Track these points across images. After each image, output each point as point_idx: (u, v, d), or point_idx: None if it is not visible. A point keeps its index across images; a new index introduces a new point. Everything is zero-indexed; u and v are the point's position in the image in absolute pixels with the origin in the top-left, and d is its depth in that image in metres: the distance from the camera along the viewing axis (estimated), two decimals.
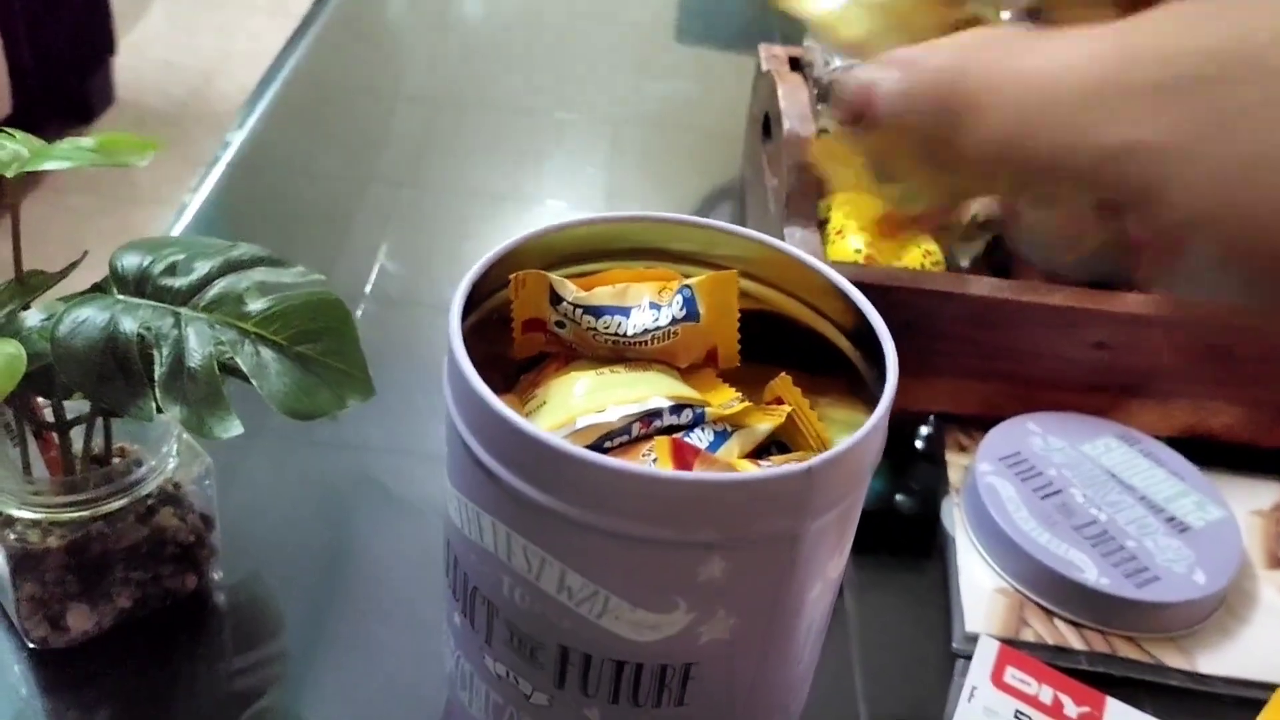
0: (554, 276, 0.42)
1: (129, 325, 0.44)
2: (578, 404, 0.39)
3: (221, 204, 0.84)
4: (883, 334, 0.39)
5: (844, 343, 0.43)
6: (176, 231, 0.79)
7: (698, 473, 0.34)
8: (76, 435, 0.52)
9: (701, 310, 0.41)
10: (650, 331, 0.41)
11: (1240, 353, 0.67)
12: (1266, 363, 0.67)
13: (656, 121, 1.03)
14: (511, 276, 0.42)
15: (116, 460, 0.54)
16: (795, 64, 0.87)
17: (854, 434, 0.34)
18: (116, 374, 0.44)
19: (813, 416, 0.40)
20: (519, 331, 0.43)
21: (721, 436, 0.38)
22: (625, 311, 0.42)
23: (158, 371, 0.43)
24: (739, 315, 0.42)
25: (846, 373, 0.43)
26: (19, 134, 0.53)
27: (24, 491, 0.51)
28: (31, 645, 0.54)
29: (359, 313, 0.76)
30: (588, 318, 0.41)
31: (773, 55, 0.88)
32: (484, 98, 1.02)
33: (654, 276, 0.43)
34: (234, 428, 0.44)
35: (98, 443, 0.53)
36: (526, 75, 1.07)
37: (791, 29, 1.17)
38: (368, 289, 0.78)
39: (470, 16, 1.18)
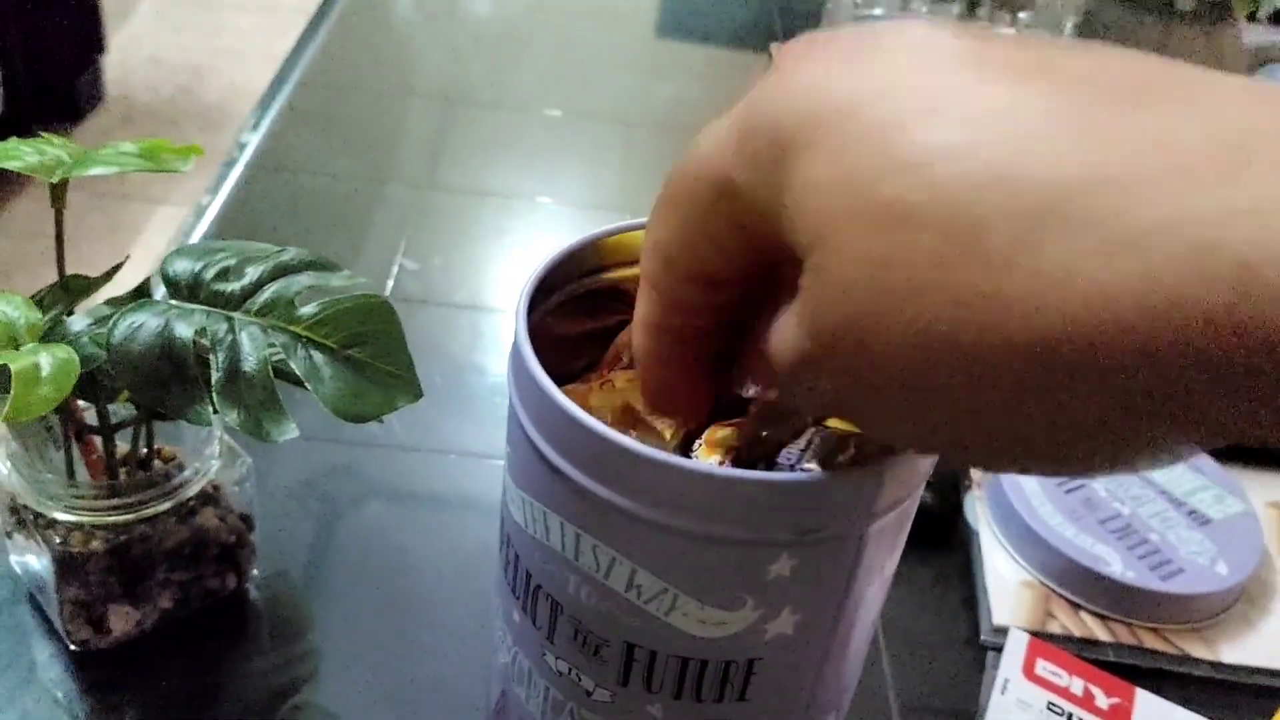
0: None
1: (184, 330, 0.45)
2: None
3: (240, 205, 0.84)
4: None
5: None
6: (197, 234, 0.79)
7: (772, 474, 0.34)
8: (117, 439, 0.53)
9: None
10: None
11: None
12: None
13: (665, 122, 1.04)
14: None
15: (157, 463, 0.55)
16: None
17: None
18: (173, 379, 0.44)
19: None
20: None
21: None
22: None
23: (214, 376, 0.44)
24: None
25: None
26: (57, 139, 0.53)
27: (68, 495, 0.51)
28: (73, 647, 0.54)
29: None
30: None
31: None
32: (496, 96, 1.02)
33: None
34: (290, 430, 0.44)
35: (140, 446, 0.54)
36: (537, 73, 1.07)
37: (798, 26, 1.18)
38: (388, 289, 0.79)
39: (479, 13, 1.18)
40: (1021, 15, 0.76)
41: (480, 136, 0.97)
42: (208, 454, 0.54)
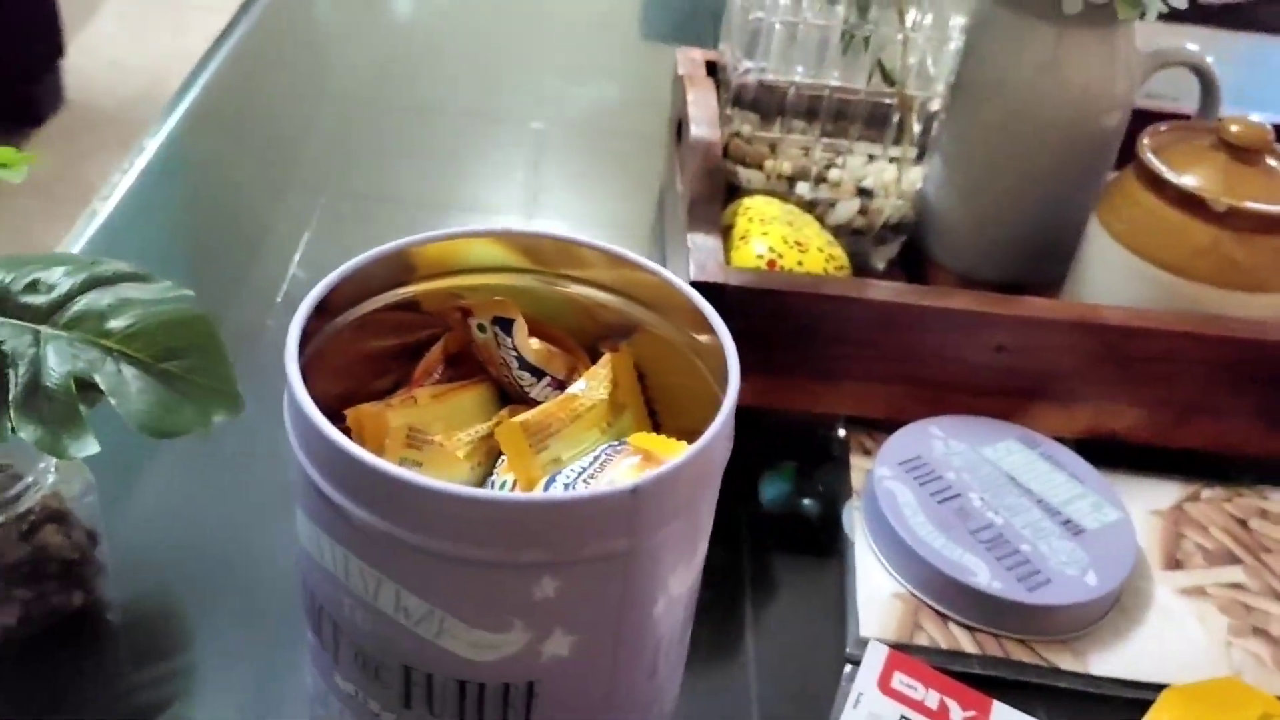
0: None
1: None
2: None
3: (133, 211, 0.83)
4: (724, 337, 0.39)
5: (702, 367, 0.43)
6: (84, 238, 0.78)
7: (521, 494, 0.34)
8: None
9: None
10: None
11: (1138, 353, 0.67)
12: (1164, 362, 0.67)
13: (584, 126, 1.03)
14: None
15: None
16: (712, 68, 0.87)
17: (674, 461, 0.34)
18: None
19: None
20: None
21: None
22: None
23: (12, 391, 0.43)
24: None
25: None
26: None
27: None
28: None
29: (269, 321, 0.75)
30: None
31: (690, 58, 0.88)
32: (408, 102, 1.01)
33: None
34: (89, 446, 0.43)
35: None
36: (452, 79, 1.06)
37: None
38: (279, 298, 0.78)
39: (397, 19, 1.18)
40: (909, 18, 0.75)
41: (389, 142, 0.96)
42: (41, 467, 0.52)
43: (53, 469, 0.53)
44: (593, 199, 0.95)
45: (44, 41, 2.37)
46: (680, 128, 0.84)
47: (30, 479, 0.52)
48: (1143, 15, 0.72)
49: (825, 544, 0.65)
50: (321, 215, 0.86)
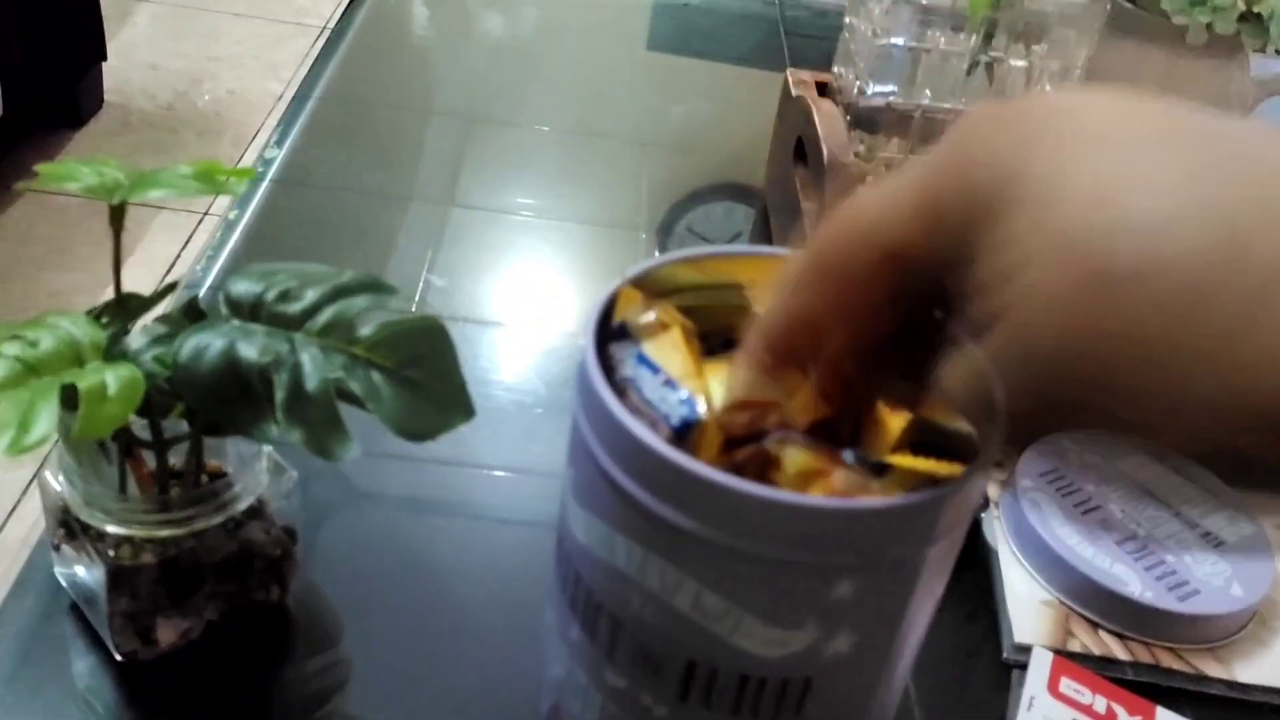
0: None
1: (248, 351, 0.46)
2: None
3: (266, 220, 0.85)
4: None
5: None
6: (226, 249, 0.80)
7: (840, 500, 0.36)
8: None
9: None
10: None
11: None
12: None
13: (684, 144, 1.05)
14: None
15: (206, 479, 0.56)
16: (822, 88, 0.89)
17: (970, 469, 0.37)
18: (239, 398, 0.45)
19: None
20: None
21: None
22: None
23: (279, 395, 0.45)
24: None
25: None
26: (113, 160, 0.54)
27: (119, 508, 0.52)
28: (119, 658, 0.55)
29: None
30: None
31: (800, 80, 0.90)
32: (511, 115, 1.04)
33: None
34: (352, 449, 0.46)
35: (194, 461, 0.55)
36: (550, 92, 1.09)
37: (810, 51, 1.20)
38: (414, 306, 0.80)
39: (492, 32, 1.20)
40: (1036, 48, 0.78)
41: (500, 155, 0.98)
42: (257, 469, 0.55)
43: (264, 471, 0.55)
44: (699, 215, 0.98)
45: (87, 44, 2.39)
46: (799, 145, 0.87)
47: (247, 480, 0.54)
48: (1264, 47, 0.75)
49: (964, 553, 0.67)
50: (445, 225, 0.88)
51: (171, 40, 2.94)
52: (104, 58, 2.45)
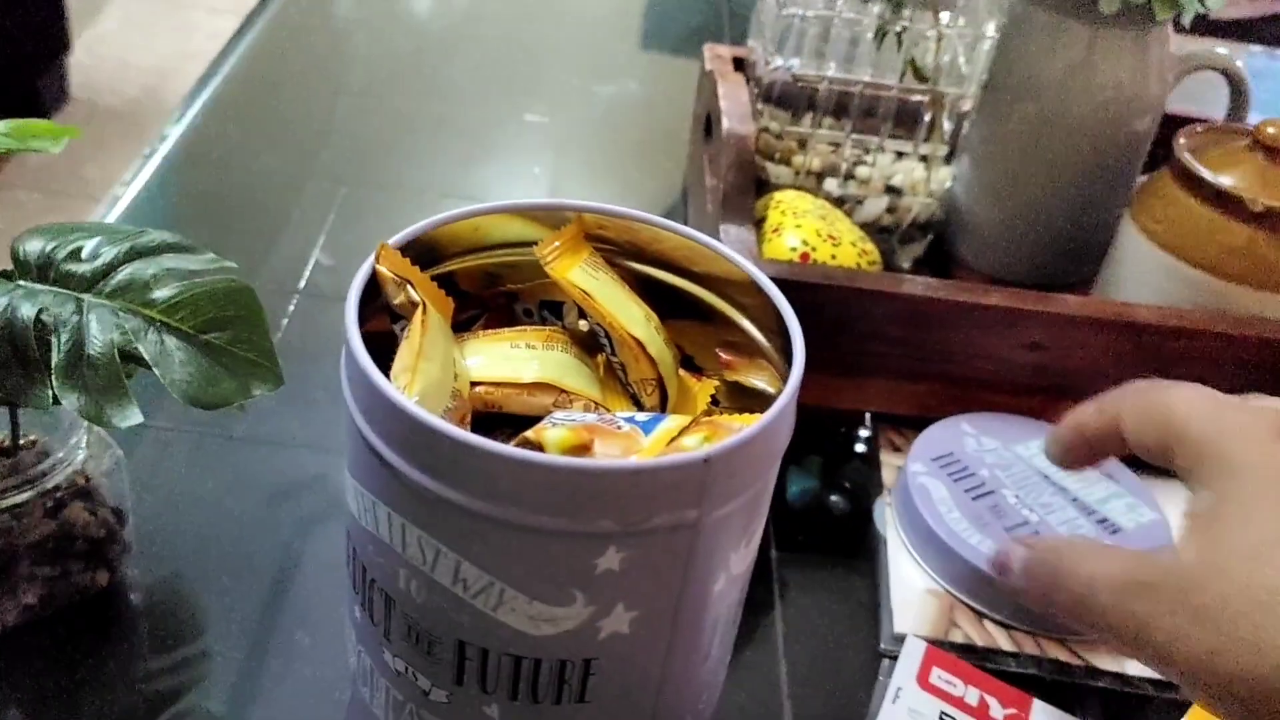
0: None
1: (26, 311, 0.43)
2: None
3: (155, 198, 0.82)
4: (790, 320, 0.38)
5: (762, 338, 0.42)
6: (107, 222, 0.77)
7: (592, 460, 0.33)
8: None
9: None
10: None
11: (1171, 353, 0.66)
12: (1198, 362, 0.67)
13: (604, 122, 1.02)
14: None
15: (23, 451, 0.53)
16: (739, 64, 0.86)
17: (754, 423, 0.33)
18: (11, 360, 0.42)
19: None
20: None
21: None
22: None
23: (55, 359, 0.42)
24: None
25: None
26: None
27: None
28: None
29: (291, 307, 0.75)
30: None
31: (717, 55, 0.87)
32: (427, 93, 1.01)
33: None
34: (133, 416, 0.43)
35: (3, 434, 0.52)
36: (473, 72, 1.06)
37: (742, 30, 1.16)
38: (301, 284, 0.77)
39: (417, 12, 1.17)
40: (944, 15, 0.75)
41: (410, 134, 0.95)
42: (73, 443, 0.52)
43: (83, 445, 0.52)
44: (609, 190, 0.94)
45: (49, 35, 2.36)
46: (708, 122, 0.84)
47: (60, 454, 0.51)
48: (1179, 17, 0.72)
49: (854, 540, 0.64)
50: (342, 205, 0.85)
51: (143, 35, 2.91)
52: (67, 49, 2.42)
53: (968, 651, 0.57)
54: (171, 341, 0.44)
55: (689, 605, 0.36)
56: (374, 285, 0.39)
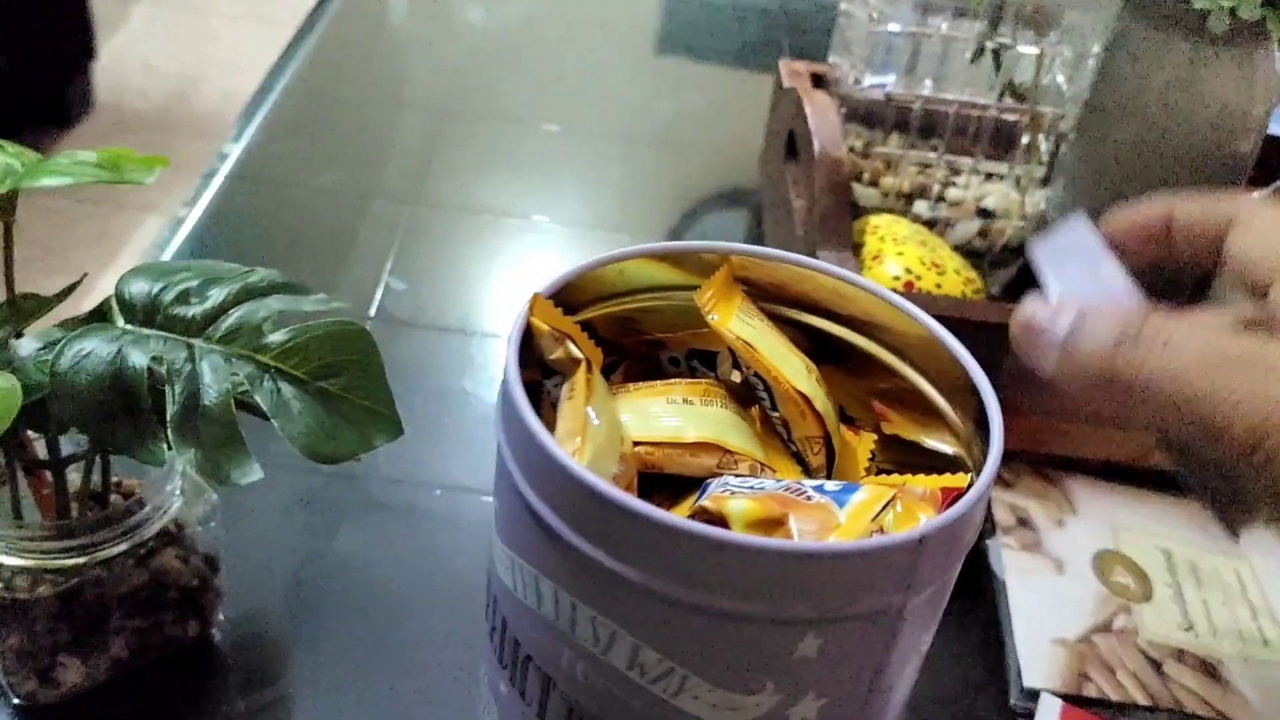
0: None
1: (138, 359, 0.40)
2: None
3: (219, 219, 0.80)
4: (987, 395, 0.35)
5: (929, 389, 0.39)
6: (173, 247, 0.75)
7: (797, 543, 0.30)
8: (71, 472, 0.48)
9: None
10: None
11: None
12: None
13: (666, 138, 0.99)
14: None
15: (115, 499, 0.50)
16: (818, 80, 0.83)
17: (962, 502, 0.31)
18: (123, 412, 0.40)
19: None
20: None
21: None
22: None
23: (170, 410, 0.39)
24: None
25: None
26: (10, 146, 0.48)
27: (13, 536, 0.47)
28: (16, 701, 0.49)
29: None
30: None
31: (794, 71, 0.84)
32: (488, 110, 0.98)
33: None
34: (253, 472, 0.40)
35: (95, 480, 0.49)
36: (531, 87, 1.03)
37: (803, 43, 1.14)
38: (373, 310, 0.74)
39: (472, 26, 1.14)
40: (1050, 36, 0.72)
41: (473, 151, 0.93)
42: (169, 490, 0.49)
43: (179, 491, 0.50)
44: (681, 212, 0.92)
45: (75, 42, 2.34)
46: (790, 141, 0.81)
47: (156, 503, 0.48)
48: None
49: (967, 583, 0.61)
50: (408, 225, 0.82)
51: (167, 41, 2.89)
52: (93, 56, 2.40)
53: (1103, 707, 0.54)
54: (287, 389, 0.41)
55: (881, 690, 0.33)
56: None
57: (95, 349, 0.40)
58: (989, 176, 0.77)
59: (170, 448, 0.39)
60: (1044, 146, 0.75)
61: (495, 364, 0.72)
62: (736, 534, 0.29)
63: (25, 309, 0.47)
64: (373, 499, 0.61)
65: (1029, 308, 0.36)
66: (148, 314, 0.42)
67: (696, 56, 1.15)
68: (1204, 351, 0.33)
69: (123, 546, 0.48)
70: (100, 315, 0.46)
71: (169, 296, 0.42)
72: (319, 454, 0.40)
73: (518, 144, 0.94)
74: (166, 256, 0.74)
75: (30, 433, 0.48)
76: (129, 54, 2.78)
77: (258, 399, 0.41)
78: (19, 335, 0.46)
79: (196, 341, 0.42)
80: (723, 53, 1.15)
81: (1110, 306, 0.35)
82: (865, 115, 0.77)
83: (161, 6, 3.02)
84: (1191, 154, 0.73)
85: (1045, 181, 0.77)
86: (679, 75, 1.11)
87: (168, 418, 0.39)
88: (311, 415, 0.41)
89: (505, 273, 0.80)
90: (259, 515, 0.59)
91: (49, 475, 0.48)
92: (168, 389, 0.40)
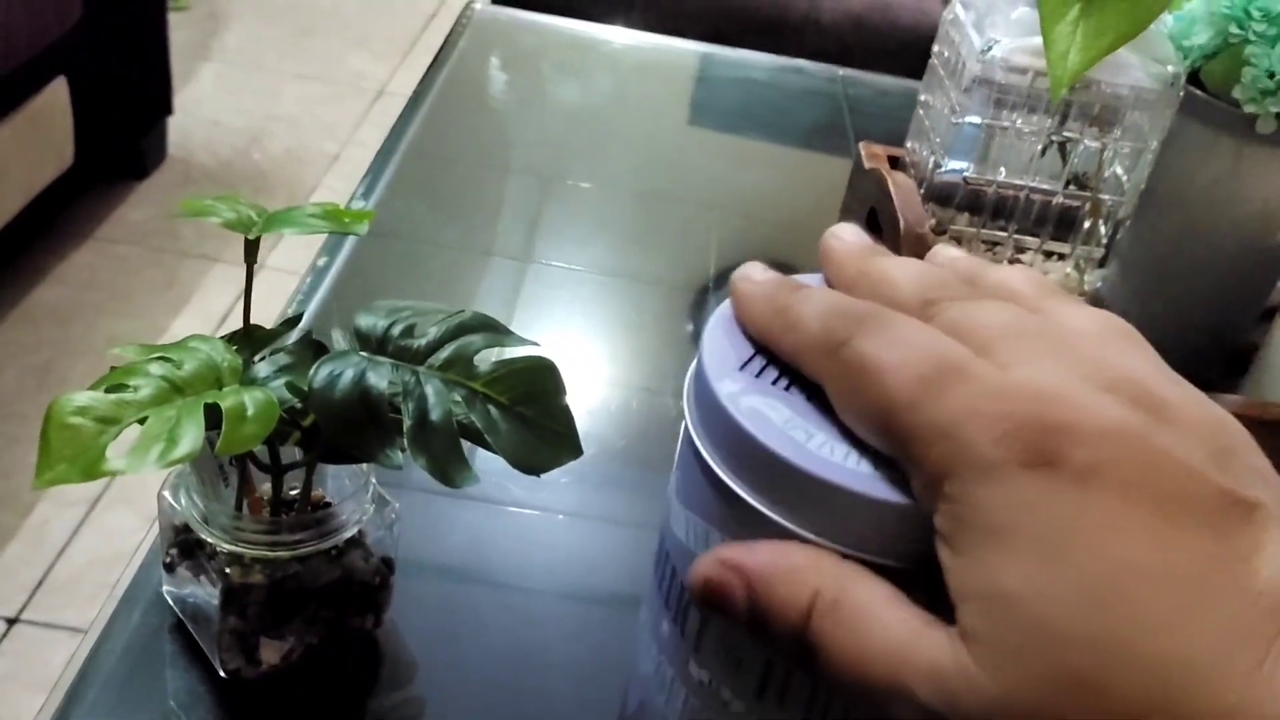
0: None
1: (378, 380, 0.49)
2: None
3: (354, 270, 0.89)
4: None
5: None
6: (317, 297, 0.84)
7: None
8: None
9: None
10: None
11: None
12: None
13: (751, 212, 1.09)
14: None
15: (315, 510, 0.58)
16: (894, 162, 0.92)
17: None
18: (368, 424, 0.48)
19: None
20: None
21: None
22: None
23: (406, 424, 0.48)
24: None
25: None
26: (243, 201, 0.57)
27: (235, 528, 0.55)
28: (224, 675, 0.57)
29: None
30: None
31: (873, 154, 0.93)
32: (587, 175, 1.07)
33: None
34: (471, 478, 0.48)
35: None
36: (623, 154, 1.12)
37: (870, 127, 1.23)
38: None
39: (569, 95, 1.24)
40: (1114, 132, 0.81)
41: (573, 214, 1.02)
42: (363, 500, 0.57)
43: (370, 501, 0.58)
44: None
45: (155, 98, 2.46)
46: (871, 217, 0.90)
47: (353, 509, 0.57)
48: None
49: None
50: (528, 281, 0.91)
51: (233, 98, 3.02)
52: (170, 111, 2.52)
53: None
54: (495, 412, 0.50)
55: None
56: None
57: (343, 371, 0.49)
58: (1049, 255, 0.86)
59: (406, 454, 0.48)
60: (1103, 231, 0.84)
61: (607, 409, 0.80)
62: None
63: (257, 338, 0.55)
64: (516, 524, 0.69)
65: None
66: (380, 344, 0.51)
67: (764, 131, 1.24)
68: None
69: (323, 545, 0.56)
70: (319, 347, 0.55)
71: (396, 330, 0.51)
72: (525, 465, 0.49)
73: (612, 209, 1.03)
74: (315, 300, 0.83)
75: None
76: (198, 109, 2.91)
77: (473, 418, 0.49)
78: (253, 360, 0.54)
79: (420, 369, 0.50)
80: (786, 131, 1.24)
81: None
82: (939, 195, 0.86)
83: (231, 65, 3.16)
84: (1231, 244, 0.82)
85: (1102, 263, 0.85)
86: (752, 150, 1.20)
87: (405, 430, 0.48)
88: (514, 435, 0.50)
89: (608, 326, 0.89)
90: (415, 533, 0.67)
91: (255, 480, 0.57)
92: (403, 406, 0.48)
